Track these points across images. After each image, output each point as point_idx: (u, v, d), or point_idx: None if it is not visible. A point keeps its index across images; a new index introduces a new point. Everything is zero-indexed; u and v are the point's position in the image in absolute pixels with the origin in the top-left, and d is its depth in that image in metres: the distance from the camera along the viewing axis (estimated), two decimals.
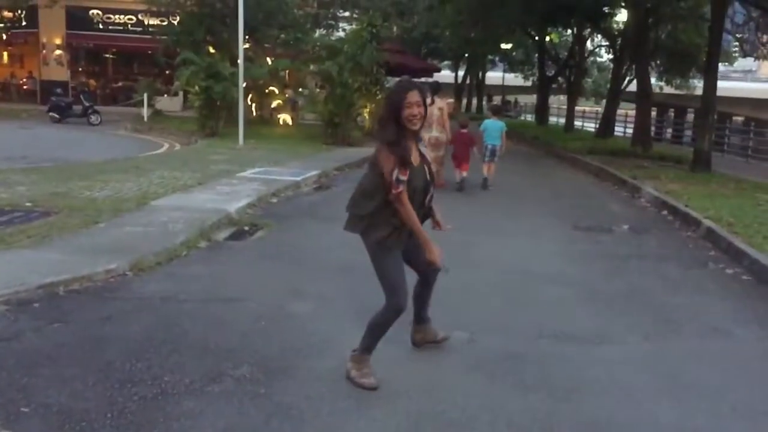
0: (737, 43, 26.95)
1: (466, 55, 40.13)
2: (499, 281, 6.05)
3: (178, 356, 4.02)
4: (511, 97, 49.12)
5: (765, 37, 23.59)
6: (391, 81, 20.77)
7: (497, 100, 39.43)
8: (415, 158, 3.73)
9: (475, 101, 45.99)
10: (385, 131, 3.69)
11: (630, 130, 25.22)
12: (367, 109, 19.78)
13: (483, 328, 4.76)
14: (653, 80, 24.12)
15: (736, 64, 35.70)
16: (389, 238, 3.78)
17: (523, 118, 43.80)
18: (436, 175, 4.20)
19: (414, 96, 3.60)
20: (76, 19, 29.84)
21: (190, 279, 5.58)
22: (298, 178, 11.01)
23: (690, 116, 43.63)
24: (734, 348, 4.68)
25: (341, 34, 25.80)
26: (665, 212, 9.97)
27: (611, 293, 5.82)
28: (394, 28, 33.00)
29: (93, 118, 22.87)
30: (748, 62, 42.99)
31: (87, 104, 23.17)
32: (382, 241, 3.79)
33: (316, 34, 25.84)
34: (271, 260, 6.39)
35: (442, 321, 4.78)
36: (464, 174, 11.32)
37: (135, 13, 29.32)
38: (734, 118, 45.06)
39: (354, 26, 22.89)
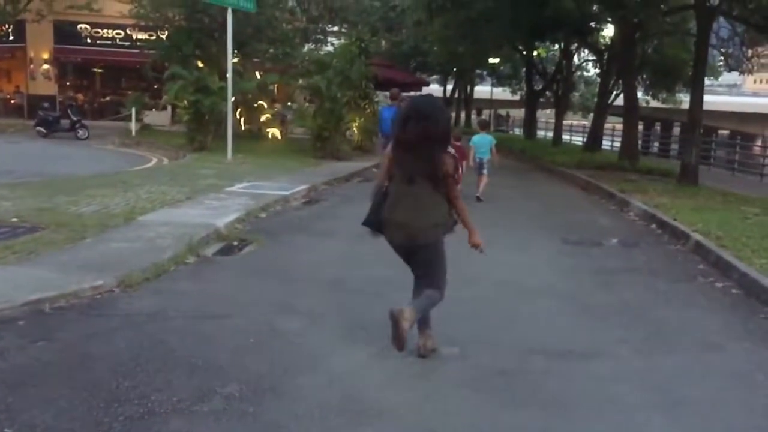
0: (722, 58, 27.21)
1: (455, 69, 40.30)
2: (489, 295, 6.03)
3: (165, 374, 3.96)
4: (503, 111, 49.27)
5: (750, 51, 23.84)
6: (380, 95, 20.86)
7: (486, 114, 39.53)
8: None
9: (463, 115, 46.13)
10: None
11: (617, 144, 25.38)
12: (356, 124, 19.79)
13: (474, 343, 4.73)
14: (640, 94, 24.28)
15: (721, 78, 36.06)
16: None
17: (511, 132, 44.03)
18: None
19: None
20: (64, 34, 29.74)
21: (178, 295, 5.53)
22: (287, 193, 10.97)
23: (676, 130, 44.04)
24: (726, 363, 4.67)
25: (330, 48, 25.87)
26: (654, 226, 10.00)
27: (602, 307, 5.81)
28: (383, 43, 33.15)
29: (80, 133, 22.75)
30: (733, 76, 43.50)
31: (74, 118, 23.04)
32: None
33: (305, 49, 25.88)
34: (260, 276, 6.34)
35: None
36: (459, 186, 11.34)
37: (123, 27, 29.21)
38: (720, 131, 45.43)
39: (343, 41, 23.00)
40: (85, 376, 3.89)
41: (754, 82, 66.08)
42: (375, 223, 4.45)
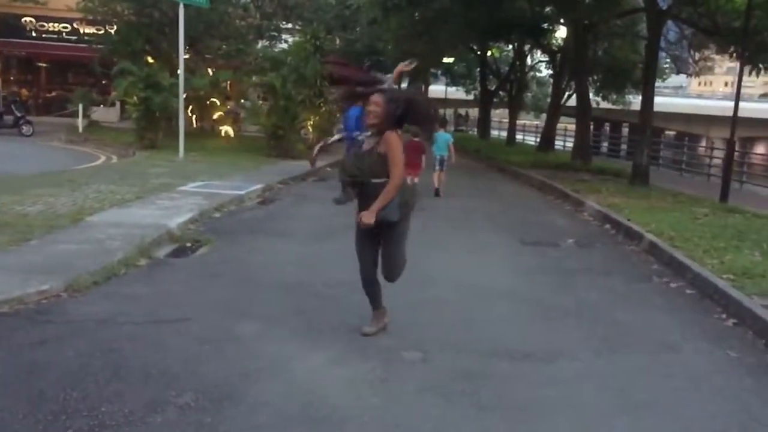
0: (668, 60, 27.86)
1: None
2: (449, 297, 5.98)
3: (116, 384, 3.79)
4: (462, 111, 49.27)
5: (697, 54, 24.45)
6: (335, 93, 20.71)
7: (444, 113, 39.67)
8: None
9: None
10: None
11: (569, 144, 25.76)
12: (311, 122, 19.60)
13: (436, 347, 4.66)
14: (590, 95, 24.68)
15: (667, 80, 36.84)
16: None
17: (470, 131, 44.23)
18: None
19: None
20: (8, 27, 28.77)
21: (129, 299, 5.32)
22: (242, 192, 10.77)
23: (625, 130, 44.92)
24: (684, 364, 4.70)
25: (284, 45, 25.60)
26: (608, 226, 10.11)
27: (561, 309, 5.81)
28: (337, 41, 32.94)
29: (25, 129, 22.11)
30: (678, 79, 44.50)
31: (19, 114, 22.40)
32: None
33: (259, 46, 25.56)
34: (215, 278, 6.16)
35: (393, 340, 4.71)
36: (416, 180, 11.45)
37: (70, 21, 28.46)
38: (666, 132, 46.51)
39: (297, 38, 22.77)
40: (31, 387, 3.70)
41: (699, 84, 67.94)
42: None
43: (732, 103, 13.69)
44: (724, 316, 5.75)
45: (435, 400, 3.88)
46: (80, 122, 23.29)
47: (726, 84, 77.52)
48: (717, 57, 24.94)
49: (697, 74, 27.42)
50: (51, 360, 4.07)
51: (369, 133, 4.59)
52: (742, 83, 13.88)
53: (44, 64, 31.36)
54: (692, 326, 5.49)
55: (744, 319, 5.52)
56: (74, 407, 3.48)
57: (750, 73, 16.52)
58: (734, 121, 13.27)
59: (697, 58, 24.91)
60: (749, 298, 5.79)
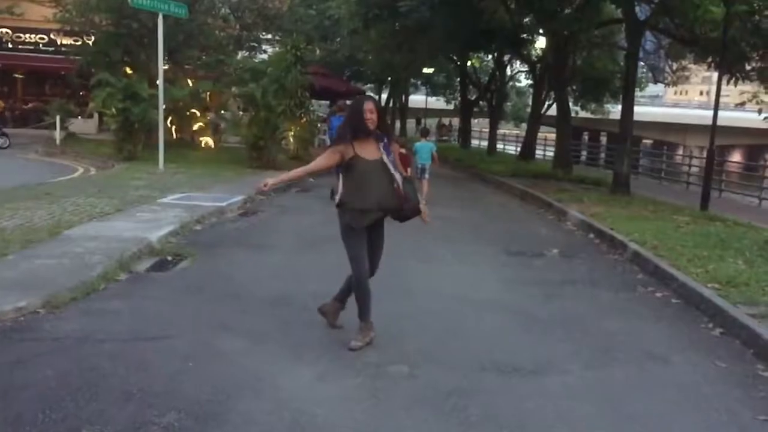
0: (644, 70, 28.12)
1: (389, 78, 40.39)
2: (435, 310, 5.91)
3: (97, 404, 3.68)
4: (445, 120, 49.25)
5: (675, 64, 24.70)
6: (316, 104, 20.69)
7: (424, 122, 39.72)
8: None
9: (398, 123, 46.30)
10: None
11: (549, 153, 25.87)
12: (292, 132, 19.50)
13: (423, 361, 4.59)
14: (570, 104, 24.82)
15: (644, 89, 37.26)
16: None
17: (453, 141, 44.30)
18: None
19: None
20: None
21: (109, 316, 5.21)
22: (223, 204, 10.65)
23: (603, 139, 45.32)
24: (672, 375, 4.67)
25: (264, 56, 25.49)
26: (592, 235, 10.12)
27: (548, 320, 5.77)
28: (317, 51, 32.90)
29: (1, 141, 21.86)
30: (655, 88, 44.98)
31: None
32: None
33: (239, 56, 25.43)
34: (198, 293, 6.06)
35: (379, 354, 4.64)
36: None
37: (47, 32, 28.21)
38: (644, 141, 47.00)
39: (277, 49, 22.70)
40: (8, 408, 3.59)
41: (675, 93, 68.77)
42: None
43: (709, 112, 13.85)
44: (710, 325, 5.74)
45: (423, 415, 3.82)
46: (58, 134, 23.03)
47: (702, 93, 78.52)
48: (693, 66, 25.23)
49: (674, 83, 27.71)
50: (28, 380, 3.96)
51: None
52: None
53: (21, 76, 31.02)
54: (679, 336, 5.47)
55: (731, 328, 5.52)
56: (53, 429, 3.38)
57: (728, 83, 16.69)
58: (713, 130, 13.39)
59: (674, 67, 25.17)
60: (735, 307, 5.80)
